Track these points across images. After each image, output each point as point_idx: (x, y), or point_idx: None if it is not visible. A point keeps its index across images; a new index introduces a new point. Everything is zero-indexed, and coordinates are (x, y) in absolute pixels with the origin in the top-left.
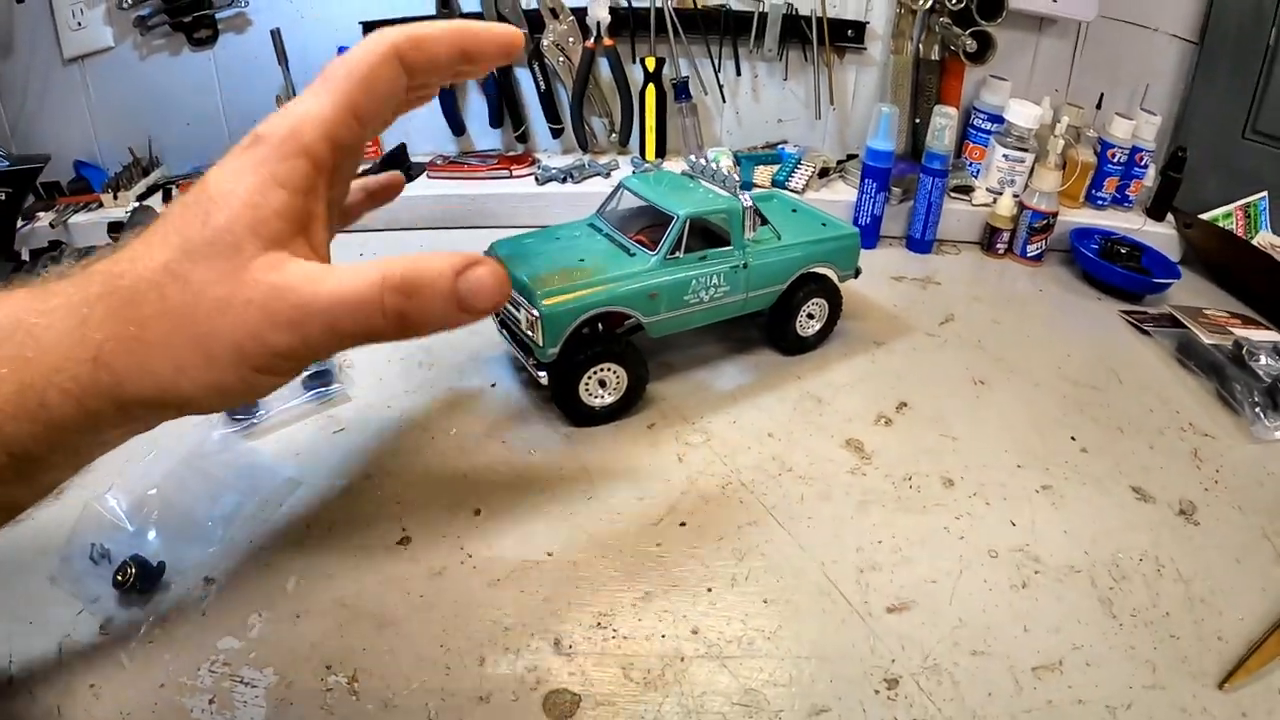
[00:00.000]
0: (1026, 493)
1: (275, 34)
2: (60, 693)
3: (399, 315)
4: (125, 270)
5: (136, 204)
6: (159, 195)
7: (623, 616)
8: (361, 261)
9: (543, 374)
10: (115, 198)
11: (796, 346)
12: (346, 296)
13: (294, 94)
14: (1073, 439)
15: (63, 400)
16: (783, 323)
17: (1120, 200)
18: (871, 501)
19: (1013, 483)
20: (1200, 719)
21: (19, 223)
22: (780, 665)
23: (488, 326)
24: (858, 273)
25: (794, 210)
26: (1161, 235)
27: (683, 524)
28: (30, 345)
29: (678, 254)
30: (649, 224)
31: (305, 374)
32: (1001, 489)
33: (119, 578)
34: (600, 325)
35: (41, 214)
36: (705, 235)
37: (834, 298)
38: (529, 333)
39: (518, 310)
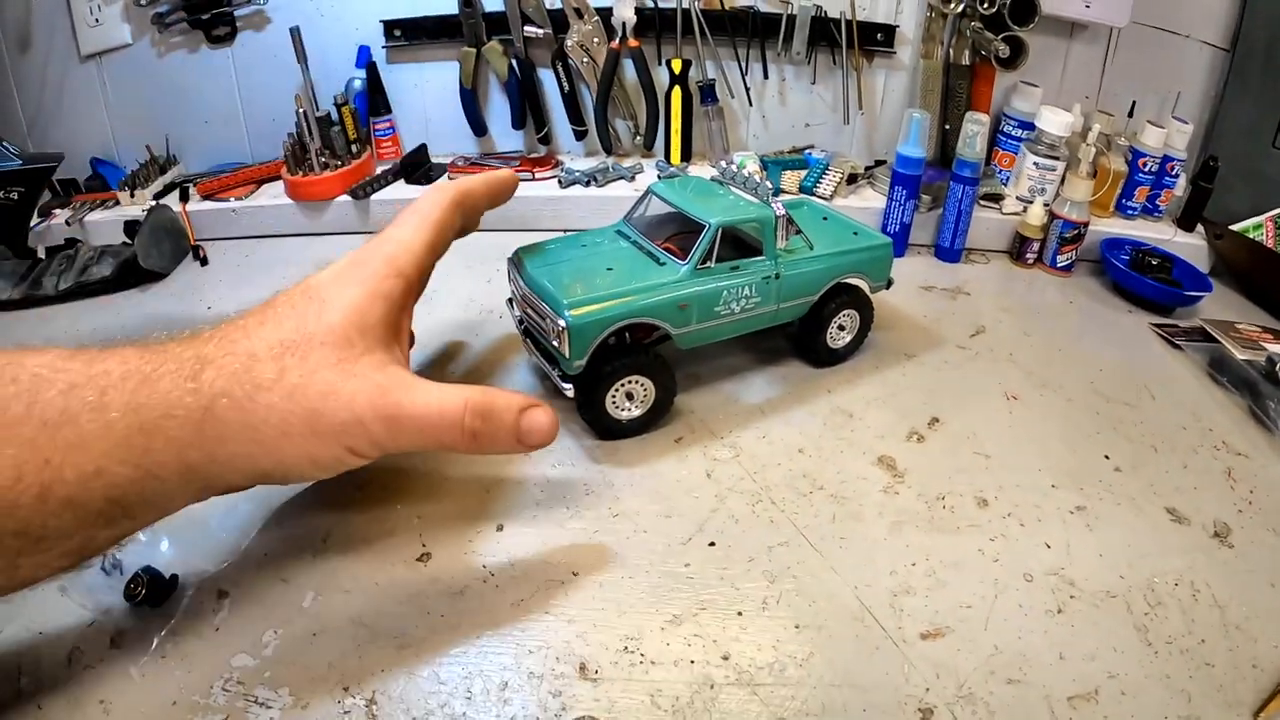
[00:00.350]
0: (1061, 513)
1: (294, 32)
2: (69, 707)
3: (473, 435)
4: (239, 339)
5: (153, 202)
6: (176, 193)
7: (650, 640)
8: (449, 385)
9: (568, 386)
10: (132, 196)
11: (827, 359)
12: (436, 412)
13: (313, 93)
14: (1106, 457)
15: (166, 447)
16: (813, 334)
17: (1150, 210)
18: (905, 522)
19: (1047, 503)
20: None
21: (35, 220)
22: (813, 694)
23: (511, 334)
24: (889, 283)
25: (825, 218)
26: (1192, 246)
27: (712, 544)
28: (145, 392)
29: (709, 264)
30: (678, 231)
31: None
32: (1036, 509)
33: (130, 589)
34: (628, 336)
35: (58, 211)
36: (736, 244)
37: (865, 309)
38: (555, 344)
39: (543, 320)
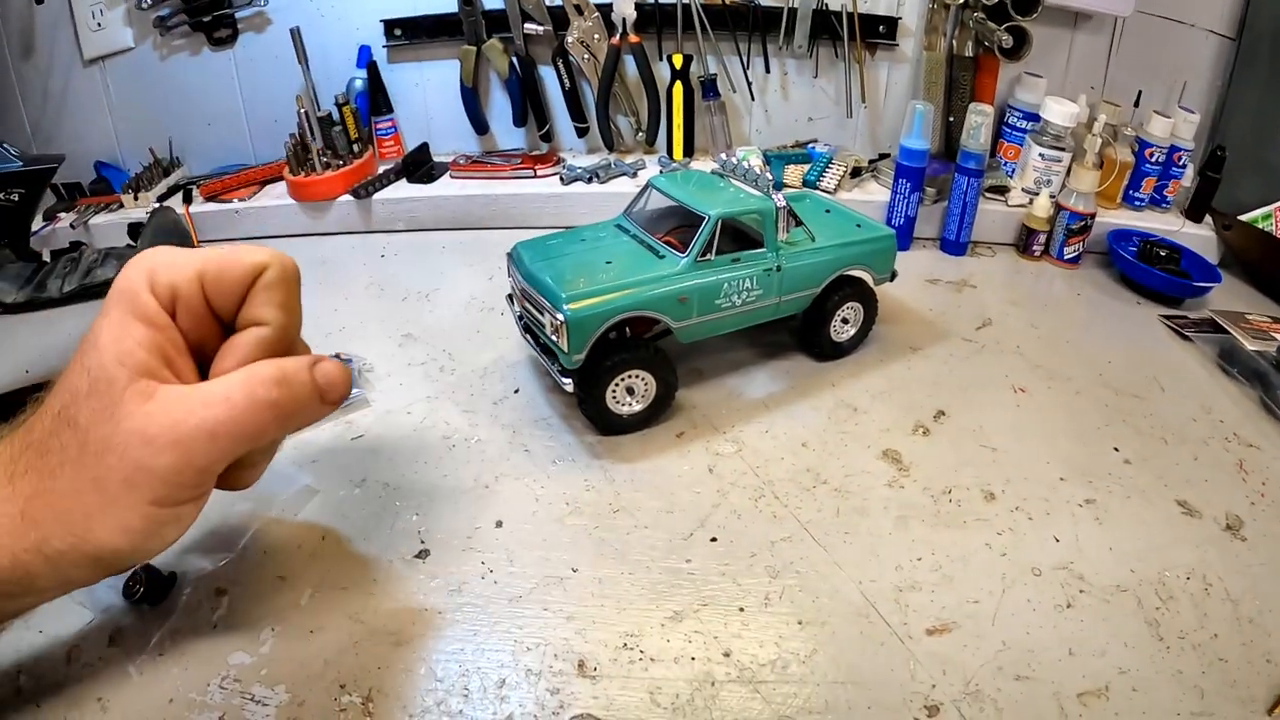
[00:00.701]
0: (1070, 507)
1: (295, 33)
2: (67, 705)
3: (274, 406)
4: (34, 423)
5: (157, 204)
6: (179, 196)
7: (650, 637)
8: (225, 375)
9: (568, 381)
10: (136, 198)
11: (830, 352)
12: (224, 404)
13: (315, 93)
14: (1116, 450)
15: (11, 547)
16: (816, 327)
17: (1158, 201)
18: (910, 516)
19: (1055, 496)
20: None
21: (41, 224)
22: (816, 691)
23: (512, 331)
24: (893, 275)
25: (827, 211)
26: (1200, 237)
27: (714, 539)
28: None
29: (709, 256)
30: (678, 225)
31: None
32: (1044, 503)
33: (129, 587)
34: (628, 330)
35: (62, 215)
36: (737, 237)
37: (869, 301)
38: (554, 338)
39: (541, 314)
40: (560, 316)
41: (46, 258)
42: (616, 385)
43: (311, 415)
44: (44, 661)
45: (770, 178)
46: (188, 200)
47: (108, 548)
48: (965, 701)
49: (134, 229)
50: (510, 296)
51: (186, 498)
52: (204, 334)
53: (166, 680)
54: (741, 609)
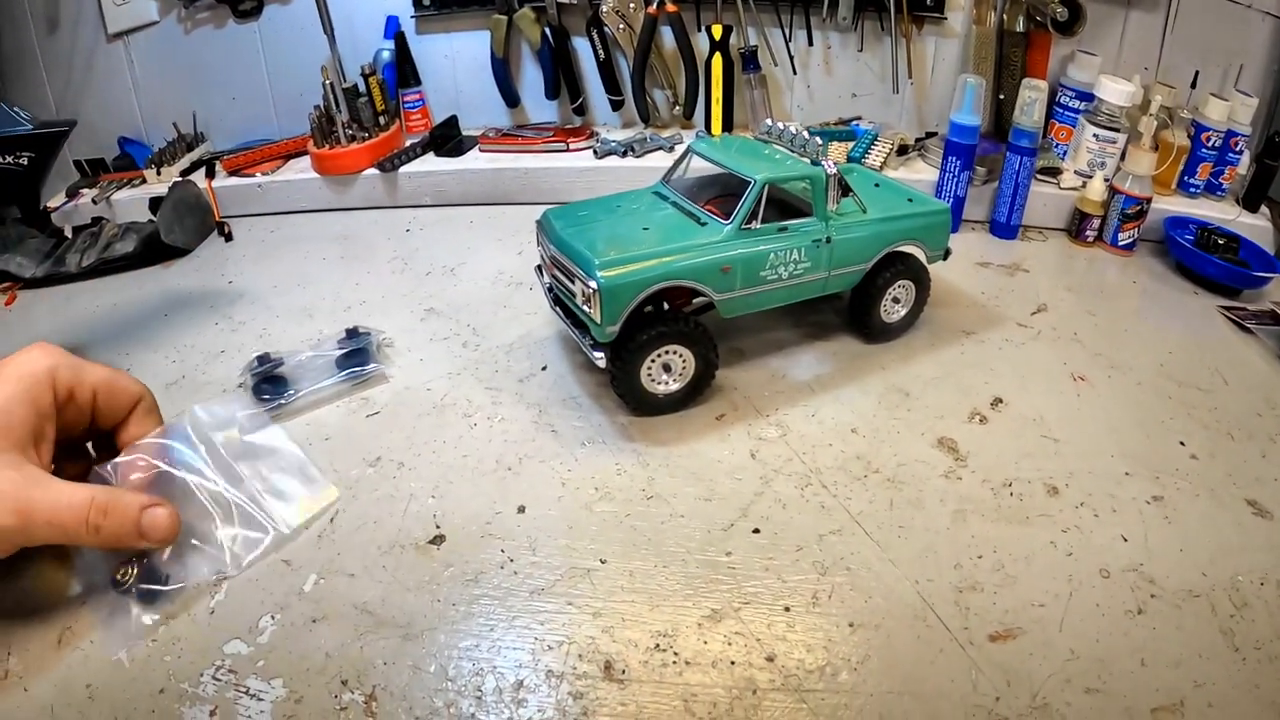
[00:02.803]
0: (1137, 504)
1: (321, 3)
2: (56, 691)
3: (96, 529)
4: None
5: (179, 178)
6: (202, 170)
7: (685, 638)
8: (80, 484)
9: (600, 355)
10: (159, 173)
11: (880, 333)
12: (65, 506)
13: (340, 66)
14: (1181, 444)
15: None
16: (866, 306)
17: (1213, 188)
18: (969, 510)
19: (1121, 492)
20: None
21: (64, 200)
22: (869, 702)
23: (541, 306)
24: (947, 254)
25: (877, 185)
26: (1256, 227)
27: (756, 530)
28: None
29: (754, 224)
30: (720, 193)
31: (340, 352)
32: (1110, 499)
33: (117, 578)
34: (665, 304)
35: (85, 191)
36: (783, 207)
37: (922, 280)
38: (585, 308)
39: (572, 283)
40: (593, 284)
41: (69, 234)
42: (652, 361)
43: (132, 543)
44: (34, 644)
45: (819, 142)
46: (210, 175)
47: None
48: (1032, 716)
49: (155, 203)
50: (539, 267)
51: (6, 549)
52: (74, 429)
53: (158, 669)
54: (787, 608)
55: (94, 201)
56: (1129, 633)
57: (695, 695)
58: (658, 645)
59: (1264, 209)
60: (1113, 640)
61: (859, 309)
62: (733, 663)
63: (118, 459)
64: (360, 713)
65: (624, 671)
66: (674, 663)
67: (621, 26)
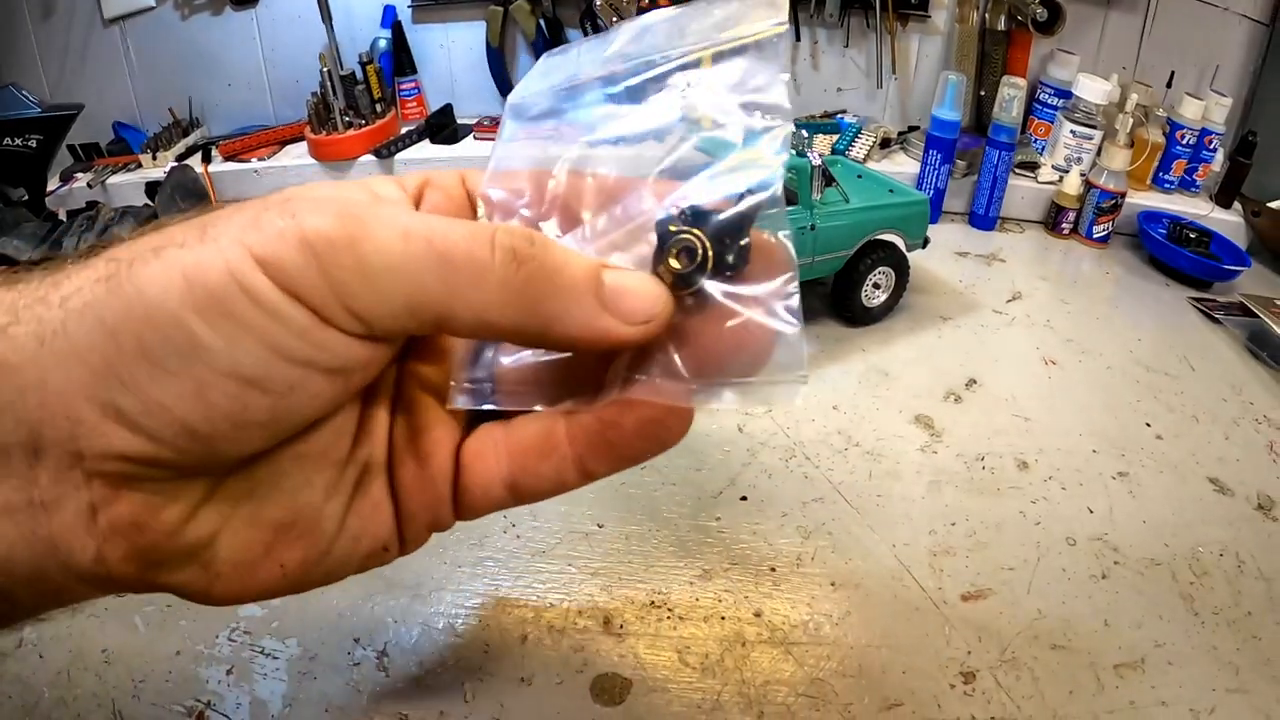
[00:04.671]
0: (1103, 479)
1: None
2: (71, 656)
3: (514, 257)
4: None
5: (174, 163)
6: (198, 156)
7: (679, 595)
8: None
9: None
10: (154, 159)
11: (861, 317)
12: (441, 225)
13: (338, 53)
14: (1148, 425)
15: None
16: (847, 291)
17: (1187, 184)
18: (944, 481)
19: (1089, 468)
20: None
21: (58, 184)
22: (849, 654)
23: None
24: (926, 242)
25: (859, 176)
26: (1229, 223)
27: (743, 498)
28: None
29: None
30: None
31: None
32: (1077, 474)
33: None
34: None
35: (80, 175)
36: None
37: (901, 267)
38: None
39: None
40: None
41: (63, 218)
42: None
43: (578, 317)
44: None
45: (805, 134)
46: (206, 160)
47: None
48: (1002, 669)
49: (151, 188)
50: None
51: (342, 318)
52: None
53: (173, 632)
54: (773, 569)
55: (89, 186)
56: (1093, 596)
57: (689, 647)
58: (653, 602)
59: (1237, 205)
60: (1078, 602)
61: (841, 294)
62: (723, 618)
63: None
64: (373, 668)
65: (622, 626)
66: (668, 618)
67: (615, 19)
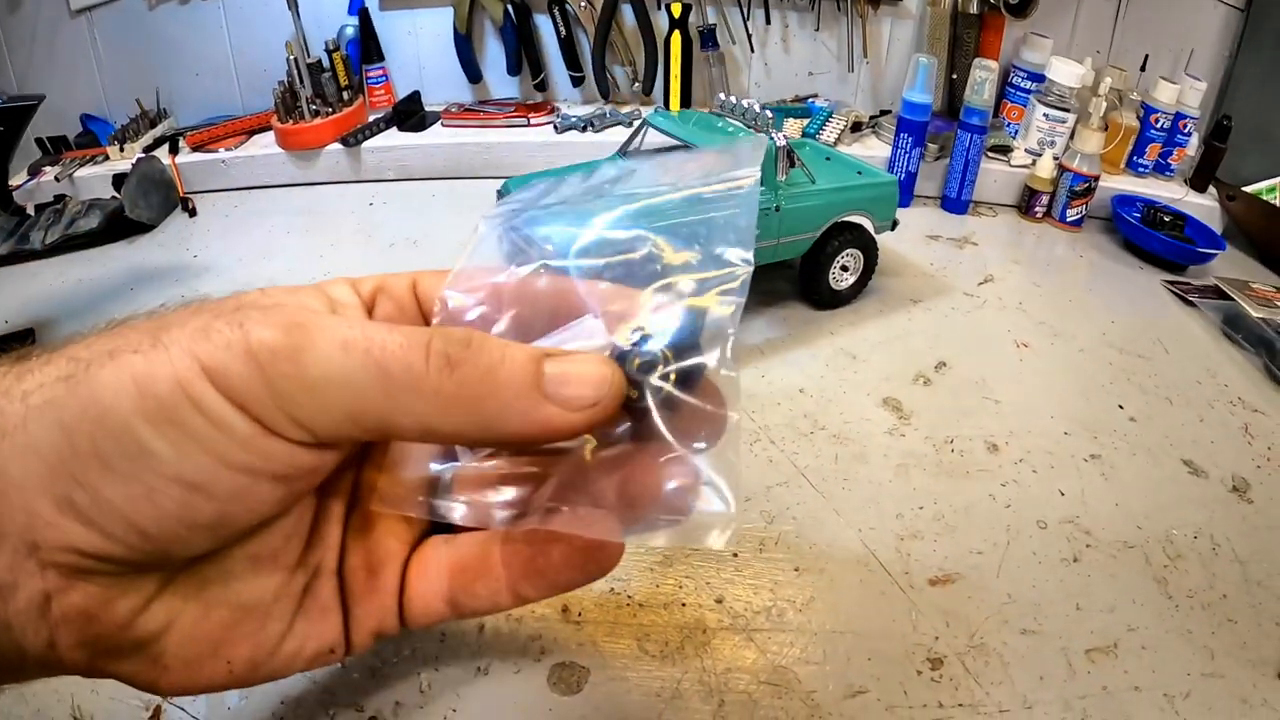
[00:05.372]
0: (1075, 461)
1: None
2: None
3: (447, 362)
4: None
5: (141, 154)
6: (165, 147)
7: (638, 582)
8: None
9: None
10: (121, 150)
11: (829, 300)
12: (379, 335)
13: (305, 41)
14: (1121, 407)
15: None
16: (815, 274)
17: (1162, 168)
18: (911, 465)
19: (1060, 450)
20: (1261, 711)
21: (26, 178)
22: (813, 641)
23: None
24: (894, 224)
25: (828, 158)
26: (1203, 207)
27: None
28: None
29: None
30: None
31: None
32: (1049, 456)
33: None
34: None
35: (47, 169)
36: None
37: (869, 249)
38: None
39: (529, 252)
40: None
41: (31, 212)
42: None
43: (516, 410)
44: None
45: (770, 116)
46: (174, 151)
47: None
48: (970, 655)
49: (118, 180)
50: (499, 237)
51: (291, 435)
52: None
53: None
54: (735, 554)
55: (56, 179)
56: (1064, 579)
57: (648, 634)
58: (612, 589)
59: (1212, 189)
60: (1049, 586)
61: (809, 276)
62: (684, 604)
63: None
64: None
65: (580, 614)
66: (628, 604)
67: (583, 4)
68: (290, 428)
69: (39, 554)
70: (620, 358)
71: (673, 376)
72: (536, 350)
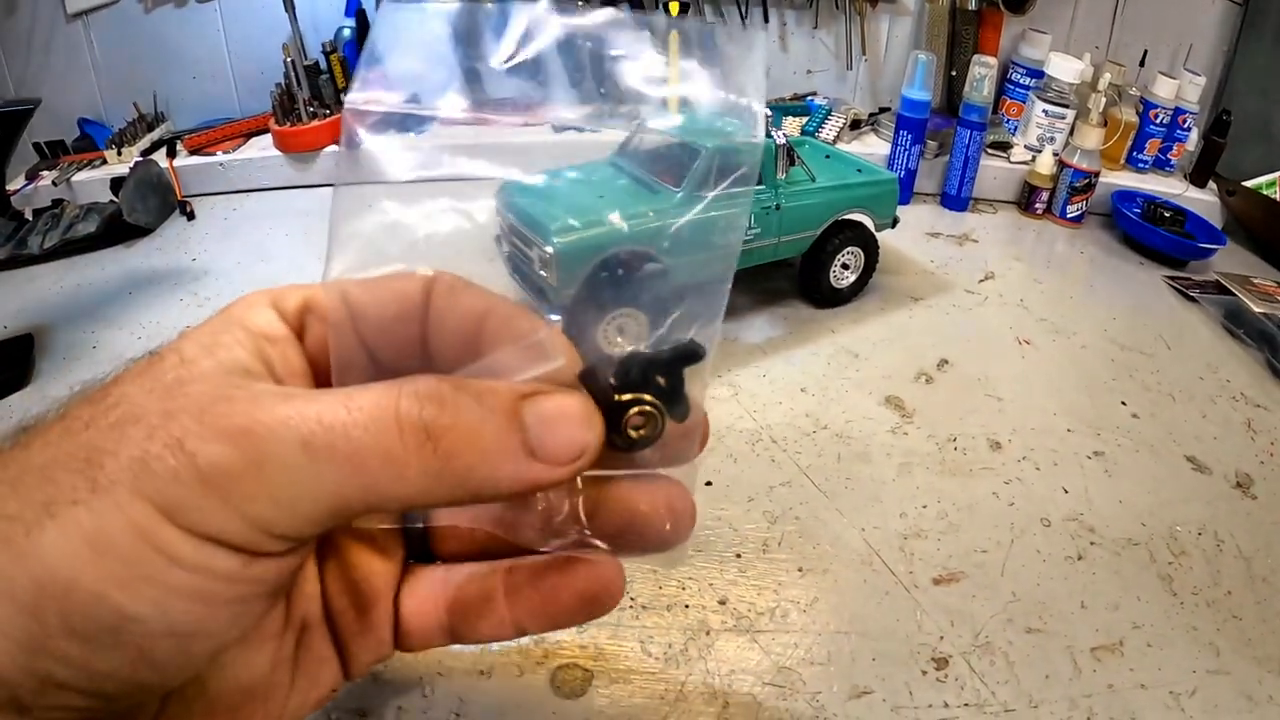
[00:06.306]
0: (1078, 458)
1: None
2: None
3: (423, 433)
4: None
5: (139, 158)
6: (163, 150)
7: (641, 584)
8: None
9: (557, 319)
10: (119, 154)
11: (830, 298)
12: (331, 403)
13: (302, 43)
14: (1123, 404)
15: None
16: (816, 272)
17: (1162, 164)
18: (914, 463)
19: (1063, 447)
20: (1267, 708)
21: (23, 183)
22: (817, 641)
23: (501, 271)
24: (895, 221)
25: (827, 156)
26: (1204, 202)
27: (708, 483)
28: None
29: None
30: (674, 162)
31: None
32: (1052, 454)
33: None
34: (621, 270)
35: (45, 173)
36: None
37: (870, 247)
38: (541, 273)
39: (529, 249)
40: (550, 249)
41: (28, 216)
42: (608, 324)
43: (502, 470)
44: None
45: (769, 113)
46: (171, 154)
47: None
48: (975, 654)
49: (116, 184)
50: (498, 237)
51: (258, 545)
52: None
53: None
54: (738, 555)
55: (54, 183)
56: (1069, 577)
57: (652, 636)
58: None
59: (1211, 184)
60: (1053, 584)
61: (809, 275)
62: (687, 606)
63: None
64: None
65: None
66: (630, 607)
67: (580, 4)
68: (274, 543)
69: (31, 715)
70: (608, 398)
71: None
72: (514, 395)
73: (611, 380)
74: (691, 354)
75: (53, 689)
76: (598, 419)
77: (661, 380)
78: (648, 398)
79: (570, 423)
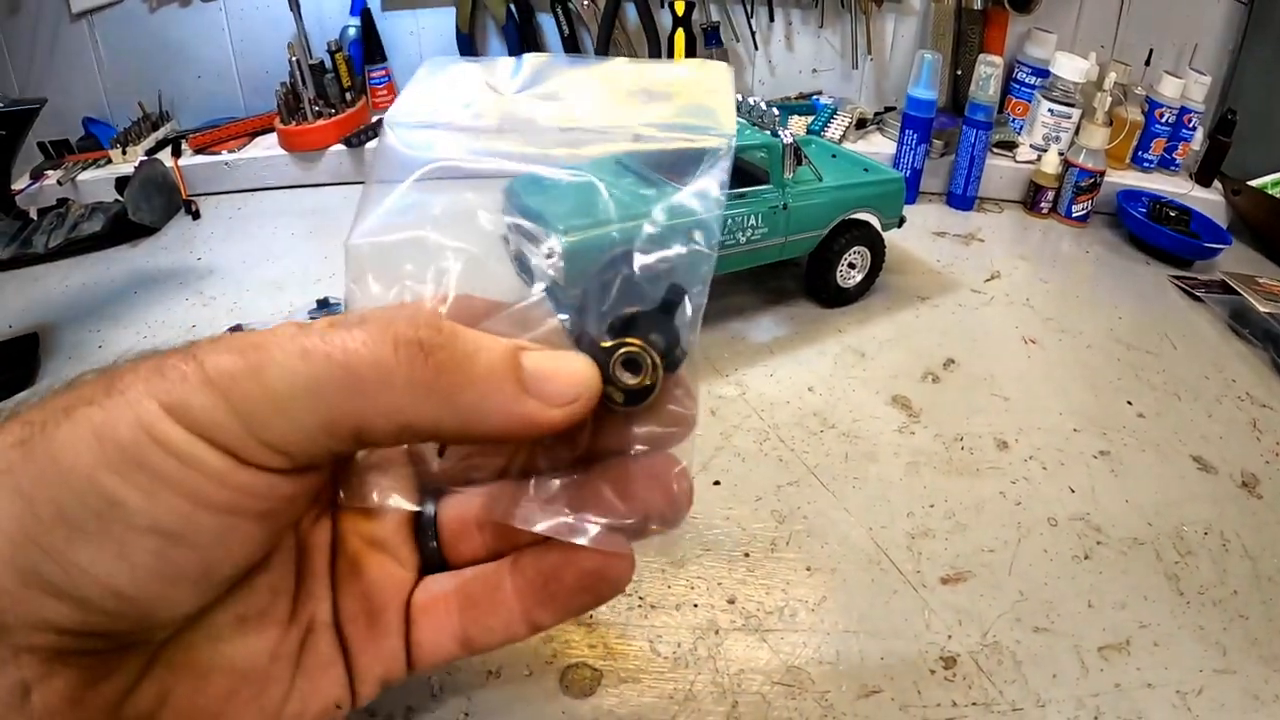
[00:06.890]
0: (1084, 458)
1: None
2: None
3: (419, 349)
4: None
5: (144, 157)
6: (168, 150)
7: (650, 583)
8: None
9: (564, 316)
10: (124, 154)
11: (836, 298)
12: (339, 334)
13: (306, 42)
14: (1129, 403)
15: None
16: (822, 272)
17: (1167, 163)
18: (921, 463)
19: (1069, 447)
20: (1274, 707)
21: (29, 183)
22: (826, 640)
23: (507, 270)
24: (901, 221)
25: (834, 155)
26: (1209, 202)
27: (716, 483)
28: None
29: None
30: (680, 163)
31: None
32: (1058, 453)
33: None
34: (627, 268)
35: (50, 173)
36: (741, 175)
37: (877, 247)
38: (550, 272)
39: (537, 247)
40: (556, 248)
41: (34, 216)
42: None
43: (495, 402)
44: None
45: (776, 113)
46: (176, 153)
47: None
48: (983, 653)
49: (121, 183)
50: (505, 237)
51: (260, 459)
52: None
53: None
54: (746, 554)
55: (59, 183)
56: (1076, 576)
57: (661, 636)
58: (624, 590)
59: (1217, 183)
60: (1060, 583)
61: (816, 274)
62: (696, 605)
63: None
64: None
65: (591, 616)
66: (639, 606)
67: (586, 3)
68: (264, 454)
69: (11, 638)
70: (597, 350)
71: (658, 377)
72: (512, 343)
73: (606, 341)
74: (673, 301)
75: (35, 594)
76: (595, 369)
77: (654, 337)
78: (634, 340)
79: (568, 365)
